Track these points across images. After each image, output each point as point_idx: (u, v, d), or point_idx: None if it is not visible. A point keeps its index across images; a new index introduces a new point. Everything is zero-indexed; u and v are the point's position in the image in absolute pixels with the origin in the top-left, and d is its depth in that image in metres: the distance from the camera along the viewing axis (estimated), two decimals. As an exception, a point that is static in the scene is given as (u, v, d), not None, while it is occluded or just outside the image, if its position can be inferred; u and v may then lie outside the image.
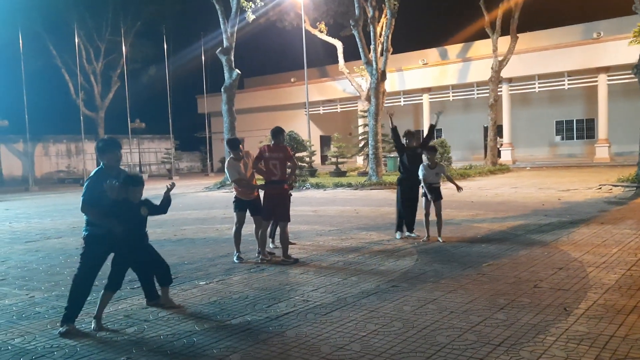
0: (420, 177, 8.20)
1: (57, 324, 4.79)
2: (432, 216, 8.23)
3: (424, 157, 8.32)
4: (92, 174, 4.86)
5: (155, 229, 10.30)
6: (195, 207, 15.09)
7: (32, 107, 29.65)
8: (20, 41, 28.66)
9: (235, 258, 7.34)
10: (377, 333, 4.26)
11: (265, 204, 7.21)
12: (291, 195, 7.46)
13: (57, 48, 33.46)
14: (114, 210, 4.67)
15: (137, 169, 37.99)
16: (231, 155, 7.30)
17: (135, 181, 4.83)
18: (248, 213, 7.39)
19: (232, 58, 23.43)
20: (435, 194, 8.17)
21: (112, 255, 4.87)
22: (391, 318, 4.61)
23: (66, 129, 36.99)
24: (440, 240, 8.06)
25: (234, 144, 7.31)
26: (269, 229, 7.70)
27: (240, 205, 7.36)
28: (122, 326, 4.75)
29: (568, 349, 3.80)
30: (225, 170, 7.36)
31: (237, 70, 23.40)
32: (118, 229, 4.65)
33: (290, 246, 8.05)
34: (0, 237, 10.94)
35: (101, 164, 4.90)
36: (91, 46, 35.00)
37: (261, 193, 7.34)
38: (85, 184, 4.77)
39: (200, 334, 4.46)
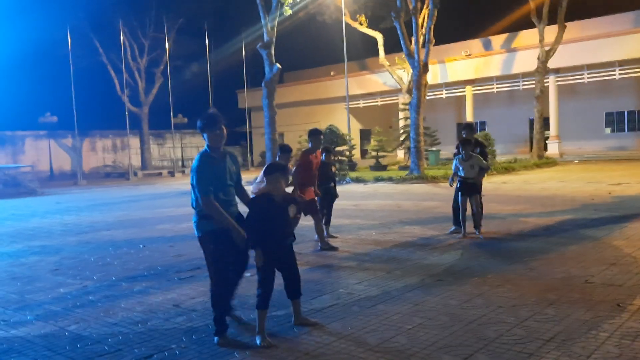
0: (453, 170, 8.05)
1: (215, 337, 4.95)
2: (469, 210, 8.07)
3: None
4: (196, 160, 4.19)
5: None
6: (237, 200, 15.28)
7: (80, 104, 30.72)
8: (69, 40, 29.67)
9: None
10: (424, 326, 4.23)
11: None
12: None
13: (104, 46, 34.43)
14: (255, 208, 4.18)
15: (180, 163, 38.75)
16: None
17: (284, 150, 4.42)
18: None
19: (273, 52, 23.56)
20: (470, 189, 7.97)
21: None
22: (437, 312, 4.57)
23: (112, 125, 38.11)
24: (478, 234, 7.92)
25: (287, 150, 7.31)
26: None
27: None
28: (171, 315, 4.87)
29: (622, 346, 3.69)
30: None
31: (278, 65, 23.52)
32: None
33: (332, 240, 8.10)
34: (53, 229, 11.38)
35: (205, 146, 4.28)
36: (135, 43, 35.85)
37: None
38: (195, 177, 4.12)
39: (247, 324, 4.53)
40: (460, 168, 7.94)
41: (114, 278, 6.49)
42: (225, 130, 4.25)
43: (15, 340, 4.41)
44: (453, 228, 8.38)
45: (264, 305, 4.16)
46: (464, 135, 8.31)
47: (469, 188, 7.98)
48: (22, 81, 35.58)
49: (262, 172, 7.47)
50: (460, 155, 7.97)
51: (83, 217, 13.23)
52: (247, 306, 5.01)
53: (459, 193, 8.06)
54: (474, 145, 8.13)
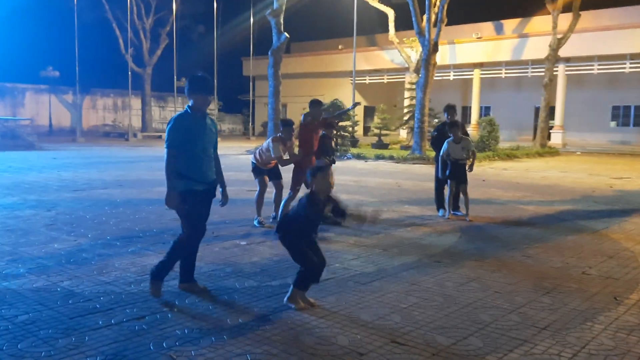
0: (443, 152, 7.99)
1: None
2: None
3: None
4: (172, 119, 4.30)
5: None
6: (237, 169, 15.18)
7: (83, 60, 30.28)
8: (75, -7, 29.13)
9: (255, 222, 7.37)
10: (419, 306, 4.20)
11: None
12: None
13: (110, 2, 33.85)
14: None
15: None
16: (280, 134, 7.32)
17: (321, 169, 4.15)
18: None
19: (282, 21, 23.19)
20: (460, 174, 7.97)
21: None
22: (433, 293, 4.54)
23: (114, 84, 37.70)
24: (467, 220, 7.88)
25: (289, 123, 7.38)
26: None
27: (258, 171, 7.50)
28: (166, 279, 4.82)
29: (617, 339, 3.66)
30: (270, 144, 7.32)
31: (286, 34, 23.16)
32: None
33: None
34: (50, 184, 11.31)
35: (186, 107, 4.37)
36: (142, 2, 35.24)
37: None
38: (168, 132, 4.25)
39: (241, 292, 4.50)
40: (450, 152, 7.91)
41: (108, 237, 6.45)
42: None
43: (7, 292, 4.38)
44: (440, 213, 8.35)
45: (304, 286, 4.12)
46: (447, 117, 8.26)
47: (459, 172, 7.98)
48: (25, 32, 35.09)
49: (269, 140, 7.37)
50: (452, 138, 7.91)
51: (80, 174, 13.15)
52: (243, 274, 4.98)
53: (448, 179, 8.06)
54: (461, 128, 8.10)
